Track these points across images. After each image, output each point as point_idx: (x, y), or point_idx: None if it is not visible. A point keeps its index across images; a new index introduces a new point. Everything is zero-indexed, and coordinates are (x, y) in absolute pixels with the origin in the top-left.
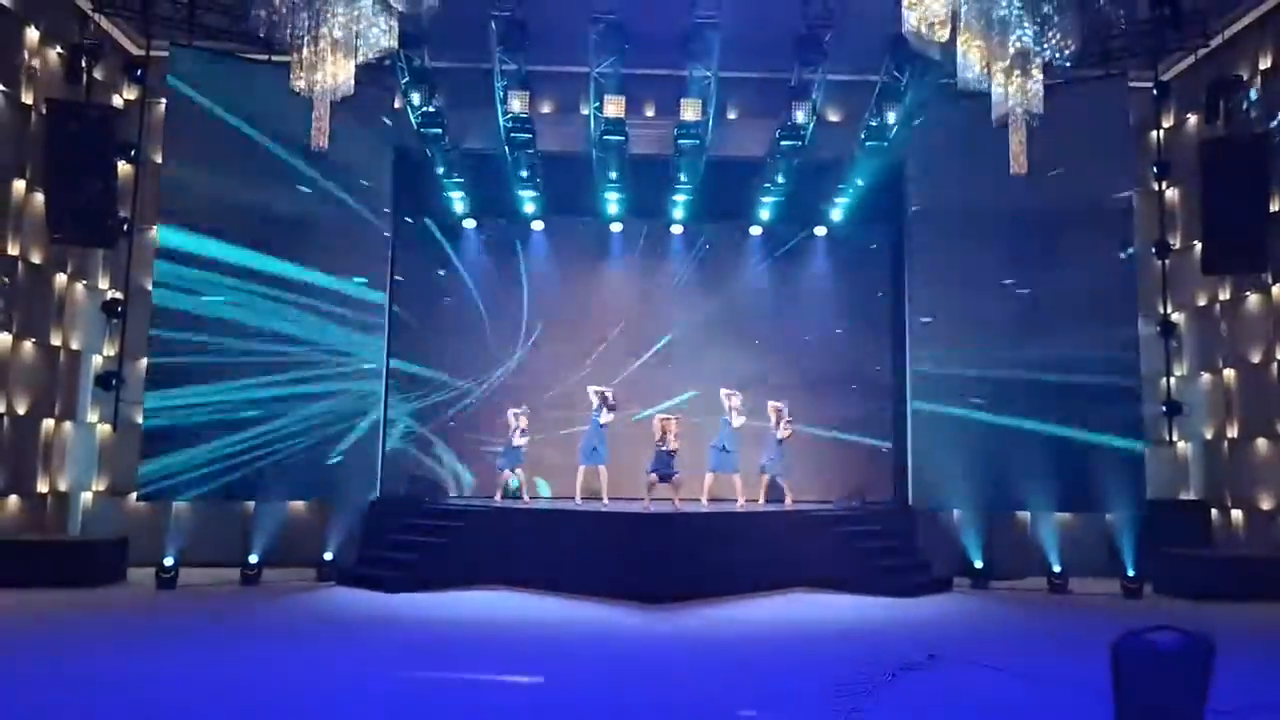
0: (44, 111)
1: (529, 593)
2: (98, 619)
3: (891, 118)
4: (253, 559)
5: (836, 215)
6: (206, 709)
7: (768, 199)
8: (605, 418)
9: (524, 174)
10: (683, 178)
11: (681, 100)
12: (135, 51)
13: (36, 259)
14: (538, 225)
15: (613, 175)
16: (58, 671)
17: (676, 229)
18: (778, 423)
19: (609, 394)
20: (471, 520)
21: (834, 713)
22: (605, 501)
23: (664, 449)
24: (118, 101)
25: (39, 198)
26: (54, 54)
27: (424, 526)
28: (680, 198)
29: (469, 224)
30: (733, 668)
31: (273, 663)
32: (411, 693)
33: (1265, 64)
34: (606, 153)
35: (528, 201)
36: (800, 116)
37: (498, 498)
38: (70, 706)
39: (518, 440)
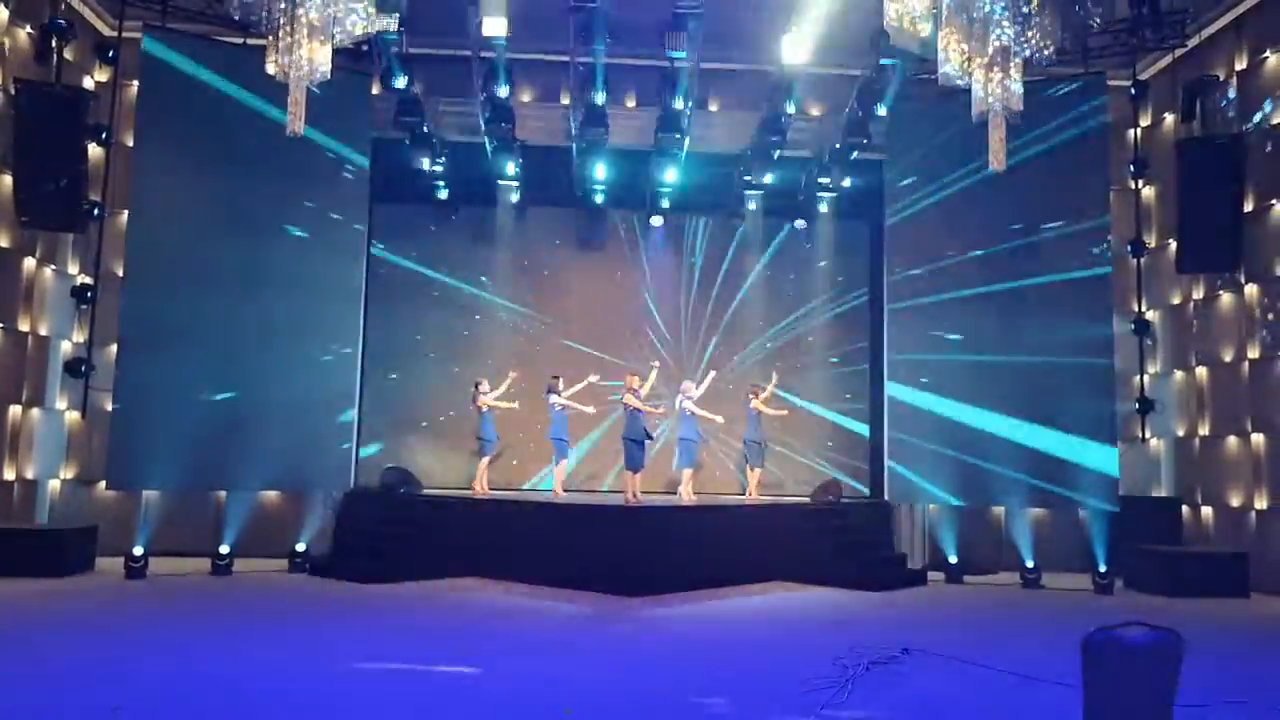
0: (12, 92)
1: (502, 585)
2: (65, 608)
3: (873, 111)
4: (224, 549)
5: (816, 208)
6: (167, 698)
7: (750, 191)
8: (558, 402)
9: (504, 162)
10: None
11: (663, 91)
12: (107, 32)
13: (4, 242)
14: (517, 212)
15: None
16: (25, 660)
17: (657, 220)
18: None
19: (557, 381)
20: (445, 512)
21: (806, 704)
22: (557, 495)
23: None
24: (88, 83)
25: (6, 180)
26: (23, 33)
27: (398, 518)
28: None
29: (448, 211)
30: (705, 659)
31: (238, 653)
32: (374, 683)
33: (1241, 65)
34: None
35: (507, 190)
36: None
37: (475, 490)
38: (34, 697)
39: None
